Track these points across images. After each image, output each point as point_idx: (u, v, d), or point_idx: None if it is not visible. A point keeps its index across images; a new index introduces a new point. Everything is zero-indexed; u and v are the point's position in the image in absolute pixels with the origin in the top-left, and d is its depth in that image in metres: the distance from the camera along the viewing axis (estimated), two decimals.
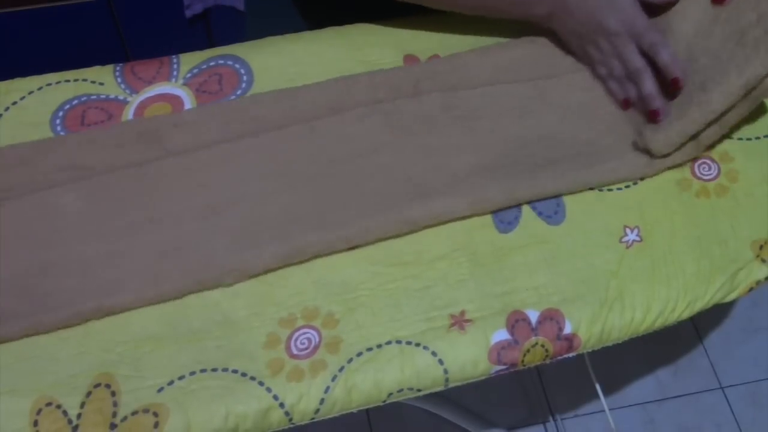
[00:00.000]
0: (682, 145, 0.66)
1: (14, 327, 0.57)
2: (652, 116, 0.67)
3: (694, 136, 0.65)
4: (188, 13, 1.19)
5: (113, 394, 0.55)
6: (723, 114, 0.64)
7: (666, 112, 0.66)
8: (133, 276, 0.59)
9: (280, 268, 0.61)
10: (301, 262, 0.62)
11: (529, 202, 0.65)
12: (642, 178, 0.67)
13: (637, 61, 0.67)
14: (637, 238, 0.65)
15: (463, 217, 0.64)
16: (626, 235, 0.65)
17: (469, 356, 0.59)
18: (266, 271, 0.61)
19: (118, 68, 0.72)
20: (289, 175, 0.65)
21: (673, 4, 0.69)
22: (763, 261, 0.65)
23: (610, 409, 0.99)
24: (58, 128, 0.68)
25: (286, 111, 0.69)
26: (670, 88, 0.66)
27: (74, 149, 0.66)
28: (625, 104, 0.70)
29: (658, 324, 0.62)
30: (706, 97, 0.63)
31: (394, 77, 0.71)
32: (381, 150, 0.67)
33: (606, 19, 0.67)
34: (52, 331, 0.58)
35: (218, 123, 0.68)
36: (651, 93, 0.67)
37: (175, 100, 0.70)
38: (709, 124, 0.64)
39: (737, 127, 0.70)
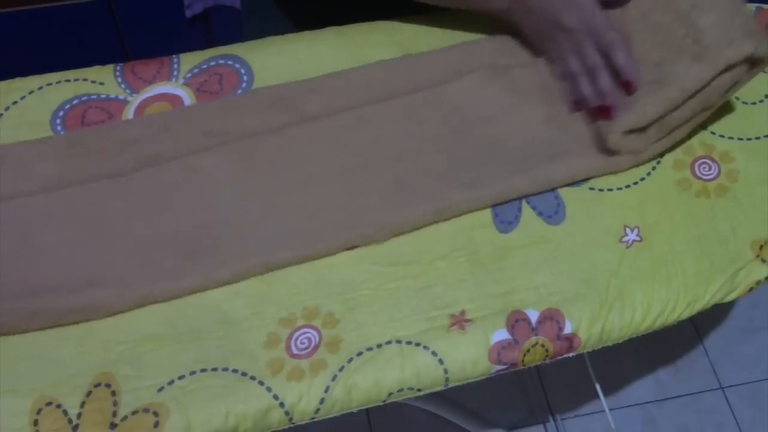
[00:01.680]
0: (645, 139, 0.66)
1: (188, 283, 0.59)
2: (606, 113, 0.66)
3: (659, 129, 0.65)
4: (188, 13, 1.19)
5: (113, 393, 0.55)
6: (683, 103, 0.64)
7: (621, 110, 0.65)
8: (290, 234, 0.61)
9: (428, 225, 0.63)
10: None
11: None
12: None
13: (594, 57, 0.66)
14: (638, 238, 0.65)
15: (594, 177, 0.66)
16: (626, 234, 0.65)
17: (469, 356, 0.59)
18: (415, 228, 0.63)
19: (118, 68, 0.72)
20: (425, 136, 0.67)
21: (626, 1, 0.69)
22: (763, 261, 0.65)
23: (610, 409, 0.99)
24: (59, 128, 0.68)
25: (411, 77, 0.71)
26: (623, 89, 0.66)
27: (213, 116, 0.68)
28: (576, 105, 0.69)
29: (658, 324, 0.62)
30: (663, 89, 0.63)
31: (512, 43, 0.73)
32: (509, 112, 0.68)
33: (564, 16, 0.66)
34: (221, 287, 0.60)
35: (352, 89, 0.70)
36: (606, 89, 0.66)
37: (175, 100, 0.70)
38: (668, 113, 0.64)
39: (711, 121, 0.71)
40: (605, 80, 0.66)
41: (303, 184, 0.64)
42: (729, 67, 0.63)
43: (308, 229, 0.62)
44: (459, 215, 0.64)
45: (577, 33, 0.66)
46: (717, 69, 0.62)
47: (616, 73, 0.66)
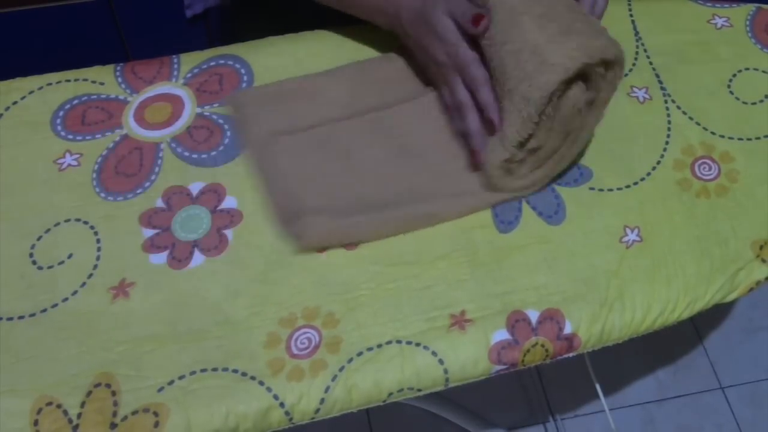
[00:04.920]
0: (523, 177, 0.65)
1: (473, 201, 0.64)
2: (472, 156, 0.64)
3: (533, 162, 0.64)
4: (188, 13, 1.19)
5: (113, 393, 0.55)
6: (543, 124, 0.60)
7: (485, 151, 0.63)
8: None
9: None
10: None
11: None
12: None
13: (461, 94, 0.64)
14: (638, 238, 0.65)
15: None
16: (626, 235, 0.65)
17: (470, 356, 0.59)
18: None
19: (118, 68, 0.72)
20: None
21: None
22: (764, 261, 0.65)
23: (610, 409, 0.99)
24: (59, 128, 0.68)
25: None
26: (487, 126, 0.63)
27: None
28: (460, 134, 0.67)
29: (658, 324, 0.62)
30: (517, 111, 0.60)
31: None
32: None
33: (432, 49, 0.65)
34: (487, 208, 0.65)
35: None
36: (472, 130, 0.63)
37: (175, 100, 0.70)
38: (533, 138, 0.61)
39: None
40: (471, 120, 0.64)
41: None
42: (578, 74, 0.59)
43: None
44: None
45: (445, 67, 0.64)
46: (560, 73, 0.58)
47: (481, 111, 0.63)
